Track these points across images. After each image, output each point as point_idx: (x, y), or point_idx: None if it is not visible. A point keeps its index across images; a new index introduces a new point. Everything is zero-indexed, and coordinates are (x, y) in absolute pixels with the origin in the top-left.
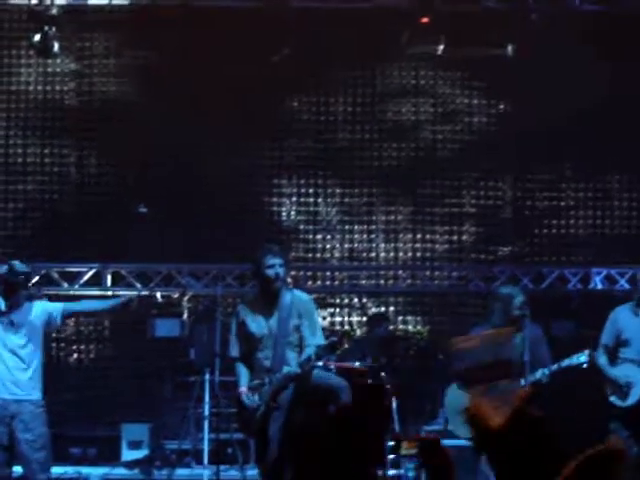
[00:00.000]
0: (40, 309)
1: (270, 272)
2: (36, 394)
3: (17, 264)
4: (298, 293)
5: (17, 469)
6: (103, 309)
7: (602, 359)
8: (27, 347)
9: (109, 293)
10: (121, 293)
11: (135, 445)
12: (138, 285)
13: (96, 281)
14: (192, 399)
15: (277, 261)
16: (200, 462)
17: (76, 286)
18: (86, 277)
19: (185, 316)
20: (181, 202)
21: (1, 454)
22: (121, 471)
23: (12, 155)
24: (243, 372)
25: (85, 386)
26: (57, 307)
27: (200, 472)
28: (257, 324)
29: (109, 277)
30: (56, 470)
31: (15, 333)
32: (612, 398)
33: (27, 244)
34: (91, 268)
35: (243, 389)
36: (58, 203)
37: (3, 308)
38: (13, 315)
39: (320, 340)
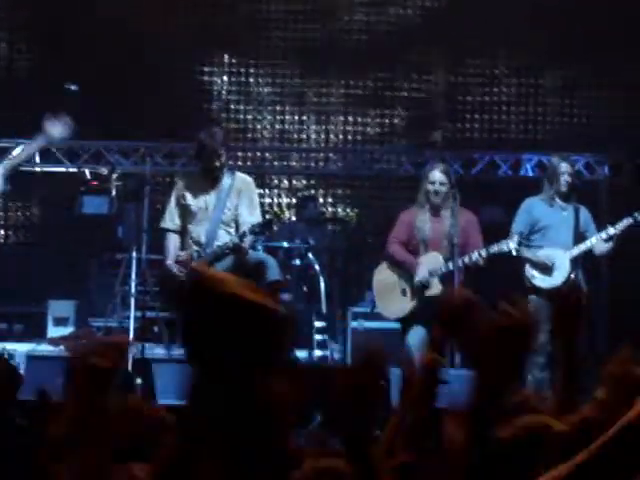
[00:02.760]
0: None
1: (214, 161)
2: None
3: None
4: (239, 175)
5: None
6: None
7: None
8: None
9: (37, 169)
10: (50, 169)
11: (61, 322)
12: (66, 162)
13: None
14: (119, 277)
15: (221, 149)
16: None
17: (5, 162)
18: (14, 152)
19: (113, 194)
20: (112, 78)
21: None
22: (46, 348)
23: None
24: (173, 244)
25: (11, 262)
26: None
27: None
28: (195, 198)
29: (37, 153)
30: None
31: None
32: (535, 281)
33: None
34: (19, 144)
35: (171, 262)
36: None
37: None
38: None
39: (257, 220)
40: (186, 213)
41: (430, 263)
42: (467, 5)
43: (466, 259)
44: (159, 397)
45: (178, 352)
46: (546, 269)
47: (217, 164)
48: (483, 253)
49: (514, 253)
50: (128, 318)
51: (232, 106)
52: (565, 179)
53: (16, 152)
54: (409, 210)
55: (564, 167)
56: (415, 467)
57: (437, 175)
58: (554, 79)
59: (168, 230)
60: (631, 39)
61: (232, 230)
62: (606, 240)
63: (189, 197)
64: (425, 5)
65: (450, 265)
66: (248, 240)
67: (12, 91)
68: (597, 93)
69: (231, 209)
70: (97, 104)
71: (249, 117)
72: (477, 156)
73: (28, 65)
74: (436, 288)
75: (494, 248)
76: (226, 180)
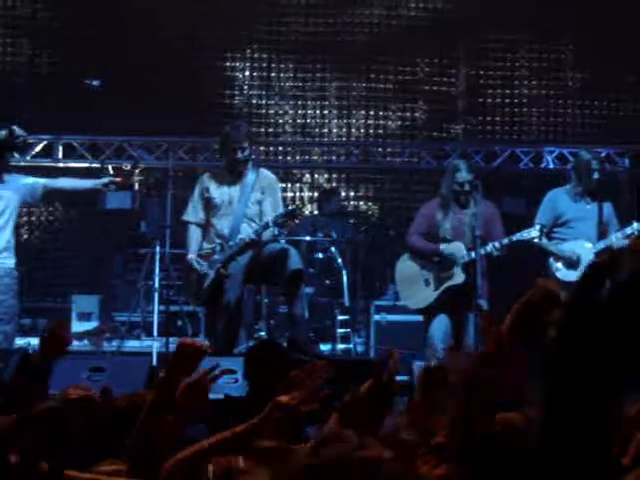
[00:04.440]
0: (21, 181)
1: (238, 154)
2: (9, 262)
3: (16, 128)
4: (264, 171)
5: None
6: (85, 189)
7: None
8: (2, 216)
9: (60, 165)
10: (73, 165)
11: (85, 317)
12: (89, 157)
13: (47, 153)
14: (142, 271)
15: (244, 142)
16: (150, 334)
17: (27, 157)
18: (37, 148)
19: (136, 188)
20: (134, 73)
21: None
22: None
23: None
24: (195, 237)
25: (36, 257)
26: (38, 182)
27: (149, 344)
28: (219, 191)
29: (60, 149)
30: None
31: None
32: (559, 274)
33: None
34: (42, 140)
35: (192, 255)
36: (10, 74)
37: None
38: None
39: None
40: (210, 206)
41: (453, 251)
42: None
43: (488, 248)
44: None
45: None
46: (570, 263)
47: (241, 158)
48: (505, 241)
49: (536, 240)
50: (152, 312)
51: (254, 101)
52: (595, 176)
53: (67, 181)
54: (430, 202)
55: (595, 164)
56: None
57: (464, 176)
58: (575, 73)
59: (191, 223)
60: None
61: (255, 225)
62: (627, 236)
63: (213, 190)
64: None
65: (472, 254)
66: (268, 233)
67: (35, 87)
68: (617, 86)
69: (255, 204)
70: (120, 99)
71: (271, 112)
72: (498, 149)
73: (51, 61)
74: (459, 277)
75: (516, 236)
76: (250, 175)
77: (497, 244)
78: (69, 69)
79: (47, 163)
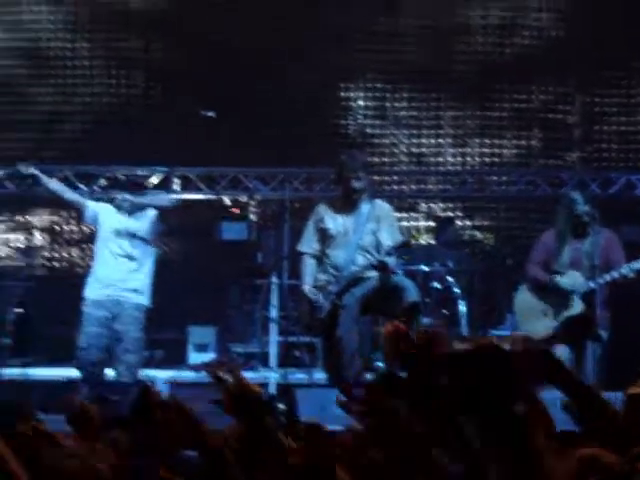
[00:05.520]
0: (149, 214)
1: (354, 183)
2: (139, 298)
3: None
4: (378, 201)
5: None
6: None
7: None
8: (136, 251)
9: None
10: (188, 197)
11: (201, 348)
12: (205, 188)
13: (164, 185)
14: (259, 302)
15: (360, 171)
16: (266, 365)
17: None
18: (154, 180)
19: (252, 219)
20: (250, 104)
21: (99, 354)
22: (187, 374)
23: (79, 58)
24: (310, 268)
25: (152, 289)
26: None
27: (267, 375)
28: (334, 222)
29: (176, 181)
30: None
31: (125, 239)
32: None
33: (97, 148)
34: (158, 172)
35: (307, 286)
36: (125, 106)
37: (116, 213)
38: (125, 221)
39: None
40: (325, 237)
41: (571, 281)
42: (606, 29)
43: (607, 277)
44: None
45: (320, 377)
46: None
47: (356, 187)
48: (624, 270)
49: None
50: (268, 343)
51: (369, 130)
52: None
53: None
54: (548, 232)
55: None
56: None
57: (582, 208)
58: None
59: (305, 254)
60: None
61: (369, 256)
62: None
63: (328, 221)
64: (560, 27)
65: (591, 284)
66: (391, 260)
67: (150, 119)
68: None
69: (370, 234)
70: (235, 130)
71: (386, 141)
72: (614, 176)
73: (164, 93)
74: (577, 307)
75: (637, 264)
76: (365, 205)
77: (625, 269)
78: (183, 101)
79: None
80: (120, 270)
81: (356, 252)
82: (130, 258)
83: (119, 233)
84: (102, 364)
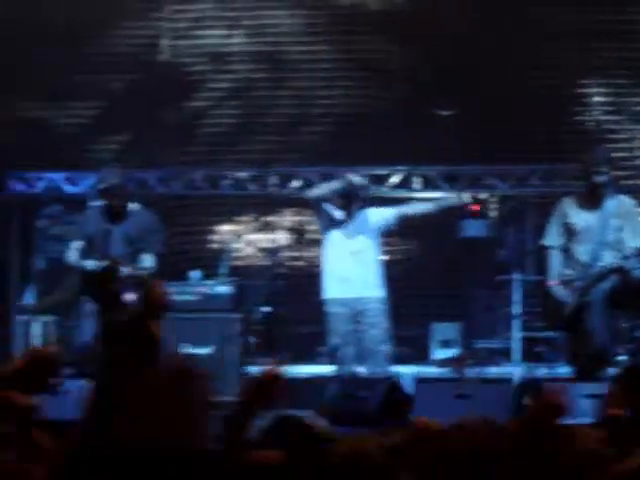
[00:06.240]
0: (374, 214)
1: (598, 178)
2: (378, 291)
3: (355, 179)
4: (624, 198)
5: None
6: (431, 210)
7: None
8: (368, 249)
9: (416, 196)
10: (429, 196)
11: (445, 344)
12: (445, 187)
13: (405, 184)
14: (502, 298)
15: (605, 167)
16: (509, 360)
17: (384, 189)
18: (395, 179)
19: (493, 216)
20: (488, 102)
21: (350, 351)
22: (432, 369)
23: (317, 61)
24: (556, 262)
25: (395, 286)
26: (390, 212)
27: (509, 370)
28: (579, 217)
29: (417, 179)
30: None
31: (353, 239)
32: None
33: (337, 149)
34: (399, 171)
35: (554, 281)
36: (363, 107)
37: (340, 217)
38: (351, 222)
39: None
40: (569, 232)
41: None
42: None
43: None
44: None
45: (564, 371)
46: None
47: (599, 182)
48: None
49: None
50: (510, 339)
51: (606, 126)
52: None
53: (414, 207)
54: None
55: None
56: None
57: None
58: None
59: (551, 248)
60: None
61: (616, 252)
62: None
63: (572, 216)
64: None
65: None
66: (632, 263)
67: (387, 120)
68: None
69: (614, 231)
70: (473, 128)
71: (623, 136)
72: None
73: (402, 93)
74: None
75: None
76: (610, 201)
77: None
78: (421, 100)
79: (404, 194)
80: (355, 268)
81: (601, 248)
82: (361, 256)
83: (347, 234)
84: (353, 360)
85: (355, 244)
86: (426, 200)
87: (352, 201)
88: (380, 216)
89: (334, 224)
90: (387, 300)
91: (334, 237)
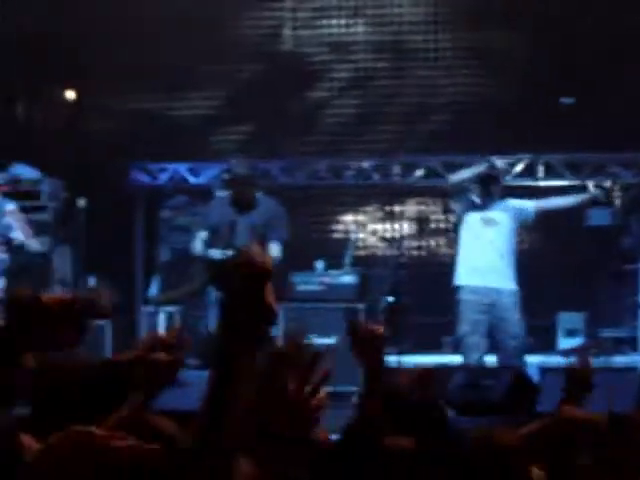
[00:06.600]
0: (513, 205)
1: None
2: (512, 284)
3: (497, 162)
4: None
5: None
6: (572, 205)
7: None
8: (505, 240)
9: (540, 184)
10: (552, 184)
11: (571, 333)
12: (569, 175)
13: (529, 172)
14: (627, 287)
15: None
16: (636, 350)
17: (508, 178)
18: (519, 168)
19: (617, 205)
20: (609, 90)
21: (481, 340)
22: (557, 359)
23: (440, 50)
24: None
25: (521, 276)
26: (530, 204)
27: (635, 359)
28: None
29: (541, 168)
30: None
31: (492, 227)
32: None
33: (460, 138)
34: (523, 159)
35: None
36: (484, 96)
37: (481, 202)
38: (489, 210)
39: None
40: None
41: None
42: None
43: None
44: None
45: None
46: None
47: None
48: None
49: None
50: (636, 327)
51: None
52: None
53: (554, 200)
54: None
55: None
56: None
57: None
58: None
59: None
60: None
61: None
62: None
63: None
64: None
65: None
66: None
67: (509, 108)
68: None
69: None
70: (598, 117)
71: None
72: None
73: (524, 83)
74: None
75: None
76: None
77: None
78: (546, 89)
79: (529, 182)
80: (491, 258)
81: None
82: (498, 245)
83: (486, 222)
84: (479, 350)
85: (493, 233)
86: (565, 194)
87: (493, 186)
88: (520, 207)
89: (474, 210)
90: (520, 293)
91: (473, 224)
